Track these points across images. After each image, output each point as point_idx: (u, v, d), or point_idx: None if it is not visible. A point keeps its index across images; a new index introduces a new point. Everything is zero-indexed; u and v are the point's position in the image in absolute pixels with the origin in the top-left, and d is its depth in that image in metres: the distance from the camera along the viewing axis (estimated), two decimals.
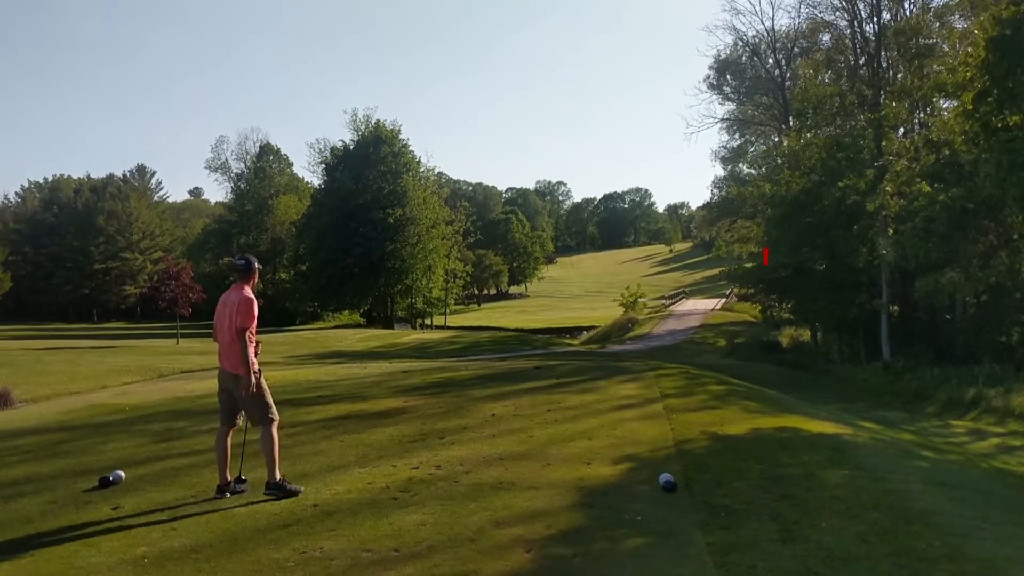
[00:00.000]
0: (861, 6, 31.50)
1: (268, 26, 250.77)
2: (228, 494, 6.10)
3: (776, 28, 46.35)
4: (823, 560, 4.48)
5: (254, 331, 6.02)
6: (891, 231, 27.04)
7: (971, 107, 18.61)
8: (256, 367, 6.00)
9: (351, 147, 60.99)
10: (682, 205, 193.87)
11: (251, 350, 5.95)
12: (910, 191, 26.79)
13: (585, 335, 54.94)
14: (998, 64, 17.41)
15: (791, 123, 37.65)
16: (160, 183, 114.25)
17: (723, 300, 58.95)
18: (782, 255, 29.74)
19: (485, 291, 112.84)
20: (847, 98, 29.61)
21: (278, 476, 6.12)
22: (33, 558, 4.87)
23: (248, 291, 6.08)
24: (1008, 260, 24.66)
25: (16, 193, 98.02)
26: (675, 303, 63.29)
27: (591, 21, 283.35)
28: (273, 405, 6.18)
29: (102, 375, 18.11)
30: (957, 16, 30.25)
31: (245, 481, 6.34)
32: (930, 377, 22.93)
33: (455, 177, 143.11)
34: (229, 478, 6.20)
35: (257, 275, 6.29)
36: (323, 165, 64.09)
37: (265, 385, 6.17)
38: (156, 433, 8.95)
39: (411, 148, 62.11)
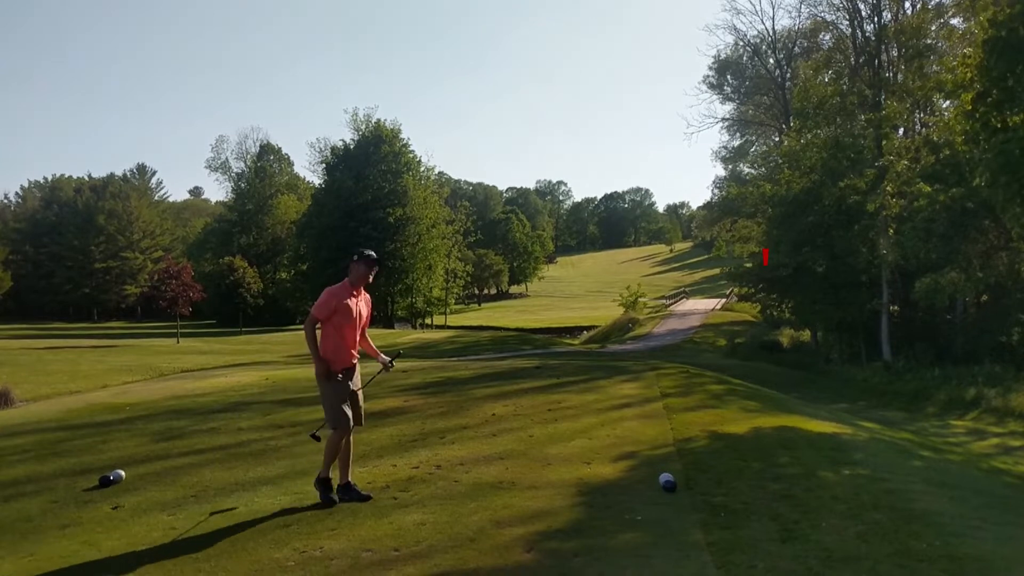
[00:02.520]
0: (861, 6, 31.58)
1: (268, 25, 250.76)
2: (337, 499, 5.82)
3: (777, 28, 46.54)
4: (823, 560, 4.48)
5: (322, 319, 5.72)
6: (891, 231, 27.06)
7: (971, 107, 18.61)
8: (326, 368, 5.74)
9: (351, 146, 61.01)
10: (682, 205, 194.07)
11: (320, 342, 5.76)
12: (910, 191, 26.81)
13: (585, 335, 54.95)
14: (995, 66, 17.44)
15: (791, 123, 37.67)
16: (160, 182, 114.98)
17: (723, 300, 58.97)
18: (782, 255, 29.76)
19: (485, 291, 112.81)
20: (847, 98, 29.60)
21: (328, 474, 5.92)
22: (33, 557, 4.88)
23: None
24: (1008, 260, 24.68)
25: (16, 192, 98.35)
26: (675, 303, 63.31)
27: (592, 20, 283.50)
28: (341, 412, 5.75)
29: (103, 374, 18.09)
30: (959, 19, 30.26)
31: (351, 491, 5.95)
32: (930, 377, 22.96)
33: (455, 177, 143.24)
34: (349, 478, 5.96)
35: (356, 269, 5.80)
36: (323, 164, 64.15)
37: (333, 387, 5.77)
38: (156, 432, 8.96)
39: (411, 147, 62.21)
